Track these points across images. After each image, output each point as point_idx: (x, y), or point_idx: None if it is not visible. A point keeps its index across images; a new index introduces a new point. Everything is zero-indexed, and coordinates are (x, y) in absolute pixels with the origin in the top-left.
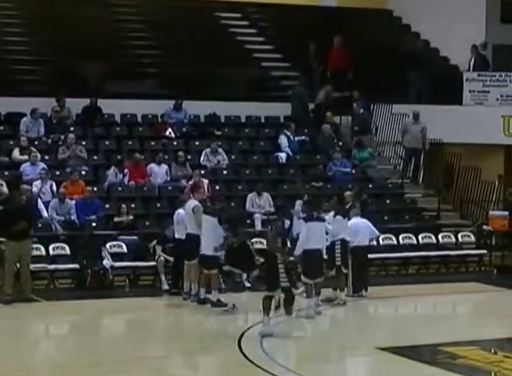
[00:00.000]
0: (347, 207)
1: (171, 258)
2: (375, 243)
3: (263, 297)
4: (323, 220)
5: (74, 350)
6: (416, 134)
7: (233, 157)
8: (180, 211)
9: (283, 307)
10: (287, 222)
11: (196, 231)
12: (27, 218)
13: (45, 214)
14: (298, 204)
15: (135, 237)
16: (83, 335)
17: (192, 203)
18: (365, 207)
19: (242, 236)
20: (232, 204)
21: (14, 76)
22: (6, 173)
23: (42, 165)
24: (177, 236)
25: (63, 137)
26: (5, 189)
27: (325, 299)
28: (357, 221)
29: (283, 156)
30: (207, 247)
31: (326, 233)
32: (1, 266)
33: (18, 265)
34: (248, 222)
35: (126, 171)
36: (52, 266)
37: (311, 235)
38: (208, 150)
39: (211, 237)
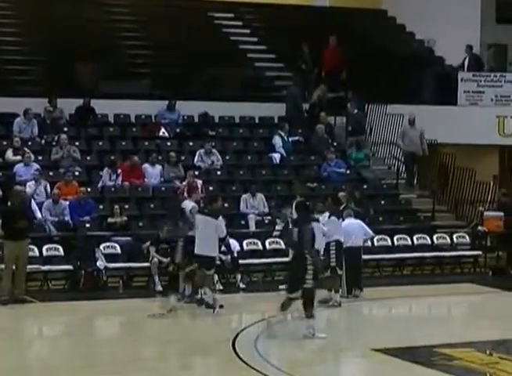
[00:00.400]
0: (342, 208)
1: (164, 260)
2: (369, 244)
3: (286, 298)
4: (317, 221)
5: (68, 351)
6: (414, 139)
7: (227, 157)
8: None
9: (303, 309)
10: (281, 223)
11: (193, 232)
12: (27, 218)
13: (38, 215)
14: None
15: (128, 238)
16: (76, 336)
17: (190, 204)
18: (360, 207)
19: (170, 232)
20: (226, 204)
21: (7, 76)
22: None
23: (36, 166)
24: None
25: (56, 138)
26: None
27: (320, 300)
28: (350, 222)
29: (276, 156)
30: (202, 248)
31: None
32: None
33: (14, 266)
34: (242, 223)
35: (119, 171)
36: (46, 267)
37: None
38: (202, 150)
39: (209, 238)
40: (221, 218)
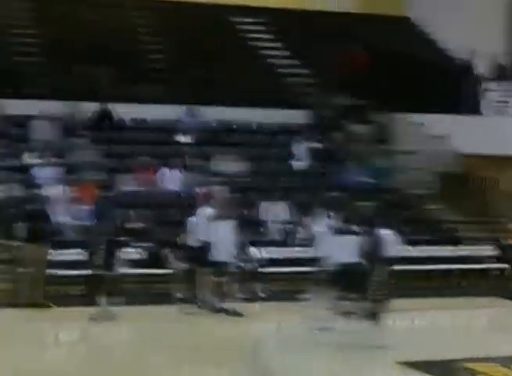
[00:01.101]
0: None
1: (184, 266)
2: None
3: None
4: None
5: (84, 357)
6: (441, 153)
7: (247, 164)
8: (194, 218)
9: None
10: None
11: (209, 238)
12: (47, 222)
13: (57, 219)
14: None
15: (147, 244)
16: (93, 342)
17: (207, 210)
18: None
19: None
20: (246, 212)
21: (26, 78)
22: (18, 176)
23: (54, 169)
24: (191, 243)
25: (74, 141)
26: (17, 192)
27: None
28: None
29: (297, 164)
30: (217, 254)
31: None
32: (15, 270)
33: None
34: (263, 230)
35: (137, 176)
36: (64, 272)
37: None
38: (221, 156)
39: (223, 244)
40: (230, 221)
